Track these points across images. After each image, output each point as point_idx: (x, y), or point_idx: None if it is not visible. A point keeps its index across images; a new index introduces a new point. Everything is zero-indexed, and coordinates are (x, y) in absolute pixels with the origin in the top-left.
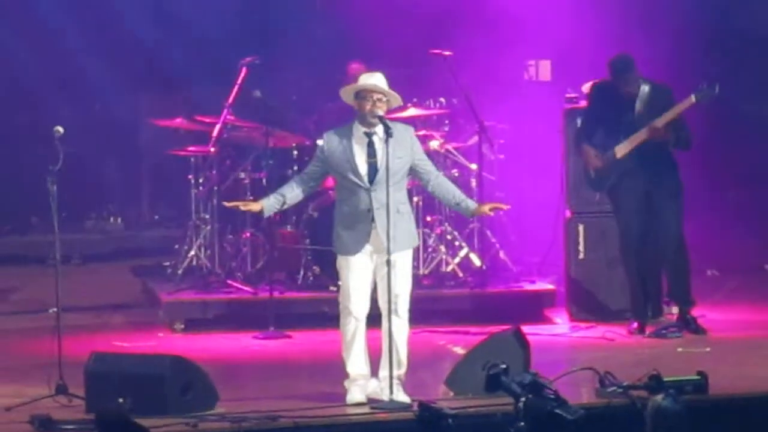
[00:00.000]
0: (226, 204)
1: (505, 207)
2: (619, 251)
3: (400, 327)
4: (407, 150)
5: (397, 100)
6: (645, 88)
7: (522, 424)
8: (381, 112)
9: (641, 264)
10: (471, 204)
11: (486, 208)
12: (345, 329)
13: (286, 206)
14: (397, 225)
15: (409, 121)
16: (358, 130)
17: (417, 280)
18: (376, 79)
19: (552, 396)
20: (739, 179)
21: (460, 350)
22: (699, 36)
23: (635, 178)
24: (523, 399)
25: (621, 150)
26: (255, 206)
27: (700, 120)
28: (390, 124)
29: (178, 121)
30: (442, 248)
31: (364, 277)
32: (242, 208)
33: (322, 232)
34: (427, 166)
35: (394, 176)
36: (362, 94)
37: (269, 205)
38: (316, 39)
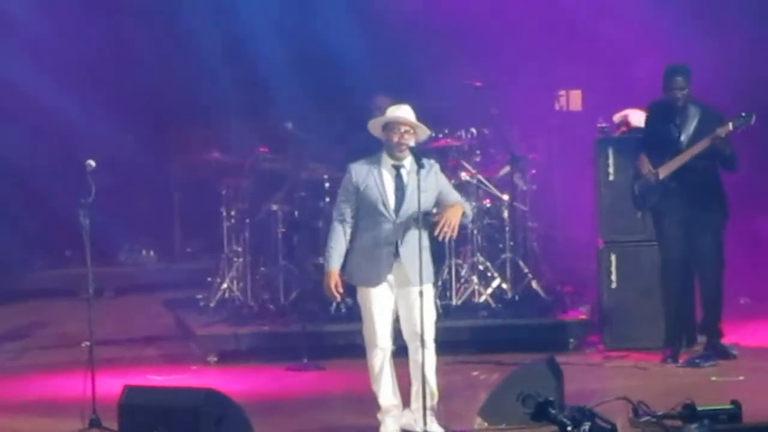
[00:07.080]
0: (335, 298)
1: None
2: (660, 275)
3: (428, 358)
4: (432, 185)
5: (424, 132)
6: (695, 111)
7: None
8: (411, 143)
9: (679, 290)
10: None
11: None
12: (372, 362)
13: None
14: (422, 258)
15: (441, 151)
16: (387, 162)
17: (450, 310)
18: (403, 111)
19: (609, 427)
20: None
21: (493, 380)
22: (729, 60)
23: (677, 202)
24: (588, 424)
25: (664, 171)
26: (337, 277)
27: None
28: (420, 155)
29: (214, 155)
30: (475, 279)
31: (386, 308)
32: (337, 292)
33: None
34: (450, 197)
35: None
36: (390, 126)
37: (341, 265)
38: (347, 70)
